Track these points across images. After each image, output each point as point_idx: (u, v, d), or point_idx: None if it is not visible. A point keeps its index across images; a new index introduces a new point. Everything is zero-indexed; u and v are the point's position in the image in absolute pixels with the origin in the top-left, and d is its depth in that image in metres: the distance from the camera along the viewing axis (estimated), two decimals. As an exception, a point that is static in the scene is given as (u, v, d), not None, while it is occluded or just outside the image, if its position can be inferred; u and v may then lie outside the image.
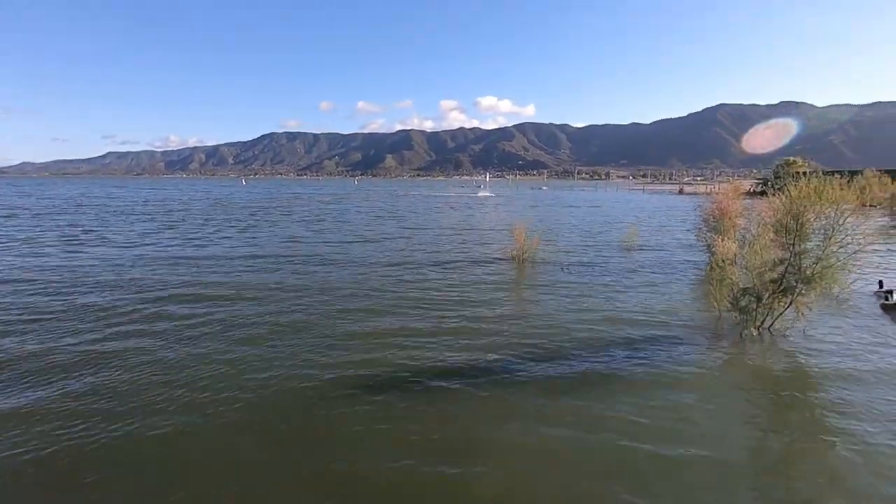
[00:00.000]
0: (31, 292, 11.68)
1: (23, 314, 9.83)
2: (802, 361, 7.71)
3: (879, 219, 28.83)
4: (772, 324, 8.81)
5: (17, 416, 5.79)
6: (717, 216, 14.57)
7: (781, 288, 8.40)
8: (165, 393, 6.40)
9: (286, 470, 4.82)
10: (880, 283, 12.16)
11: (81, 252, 17.75)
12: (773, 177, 54.07)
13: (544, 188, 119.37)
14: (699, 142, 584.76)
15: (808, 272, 8.06)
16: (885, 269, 14.86)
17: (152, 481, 4.67)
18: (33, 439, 5.29)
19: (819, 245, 8.06)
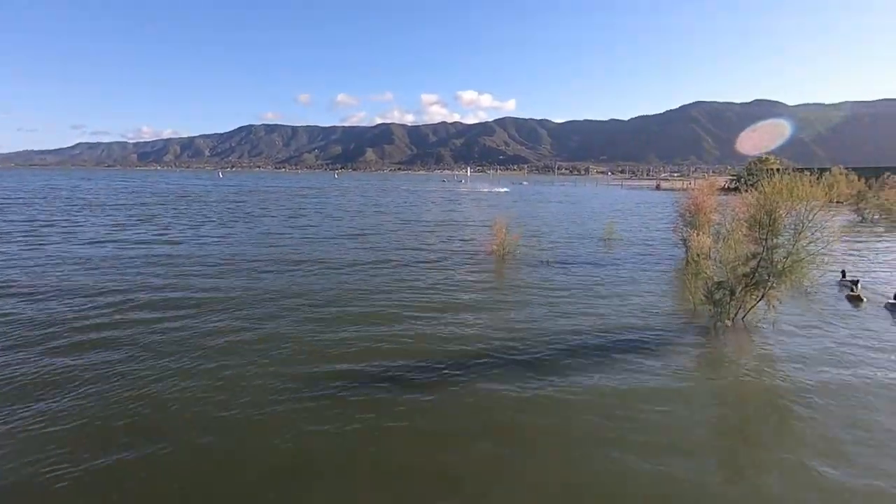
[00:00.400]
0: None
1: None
2: (772, 352, 7.96)
3: (846, 215, 29.84)
4: (744, 316, 9.06)
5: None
6: (692, 211, 14.87)
7: (754, 281, 8.65)
8: (132, 418, 5.63)
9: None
10: (843, 273, 12.68)
11: (40, 249, 17.13)
12: (745, 173, 55.54)
13: (525, 183, 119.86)
14: (676, 138, 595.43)
15: (779, 266, 8.30)
16: (845, 259, 15.46)
17: None
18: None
19: (790, 240, 8.31)
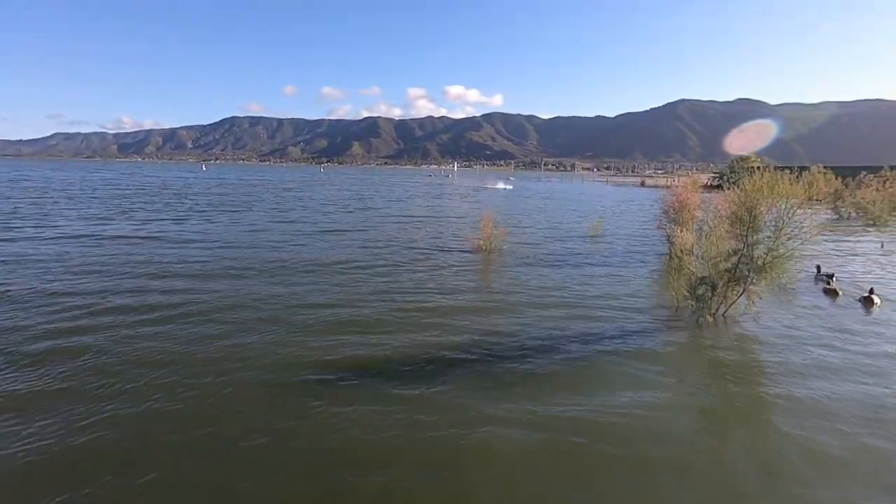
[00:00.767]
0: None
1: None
2: (752, 346, 8.16)
3: (824, 213, 30.56)
4: (726, 311, 9.26)
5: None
6: (676, 208, 15.08)
7: (735, 277, 8.83)
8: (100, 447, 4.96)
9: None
10: (818, 268, 13.05)
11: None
12: (728, 171, 56.49)
13: (511, 178, 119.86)
14: (661, 135, 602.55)
15: (759, 262, 8.50)
16: (825, 255, 15.89)
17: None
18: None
19: (770, 237, 8.51)
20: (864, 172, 44.55)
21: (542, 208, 36.41)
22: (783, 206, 8.35)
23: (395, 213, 30.44)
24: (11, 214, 22.97)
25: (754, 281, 8.64)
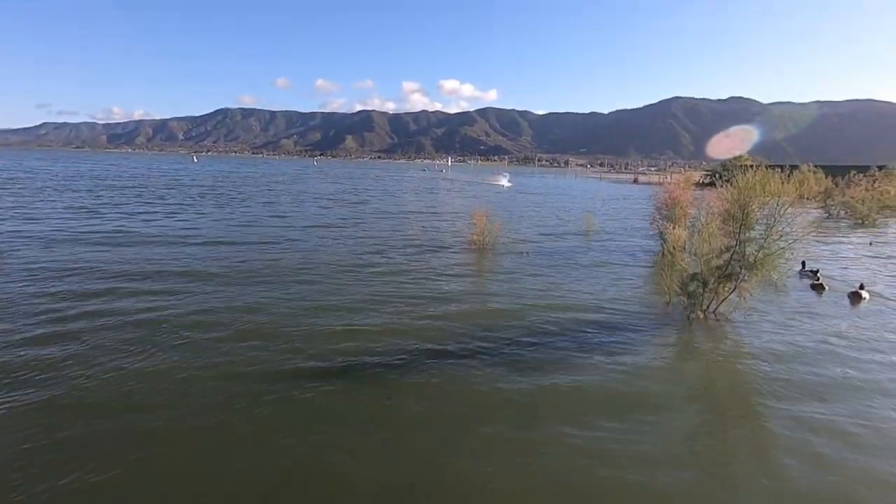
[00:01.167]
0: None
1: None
2: (742, 340, 8.29)
3: (814, 212, 30.90)
4: (717, 307, 9.36)
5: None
6: (669, 205, 15.19)
7: (726, 273, 8.93)
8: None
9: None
10: (803, 264, 13.24)
11: None
12: (721, 169, 56.89)
13: (505, 174, 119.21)
14: (654, 133, 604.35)
15: (750, 259, 8.60)
16: (814, 252, 16.11)
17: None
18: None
19: (761, 234, 8.61)
20: (853, 172, 45.06)
21: (535, 203, 36.52)
22: (775, 204, 8.45)
23: (391, 208, 30.36)
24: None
25: (746, 278, 8.74)
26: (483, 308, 9.66)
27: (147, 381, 6.06)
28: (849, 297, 11.13)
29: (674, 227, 14.19)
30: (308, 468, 4.56)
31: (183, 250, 13.94)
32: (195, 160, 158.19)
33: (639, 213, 28.13)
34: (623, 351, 7.53)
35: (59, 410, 5.36)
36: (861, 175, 43.56)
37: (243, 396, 5.78)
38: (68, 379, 6.04)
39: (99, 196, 28.98)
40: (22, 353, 6.72)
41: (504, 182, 64.87)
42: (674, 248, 12.52)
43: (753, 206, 8.59)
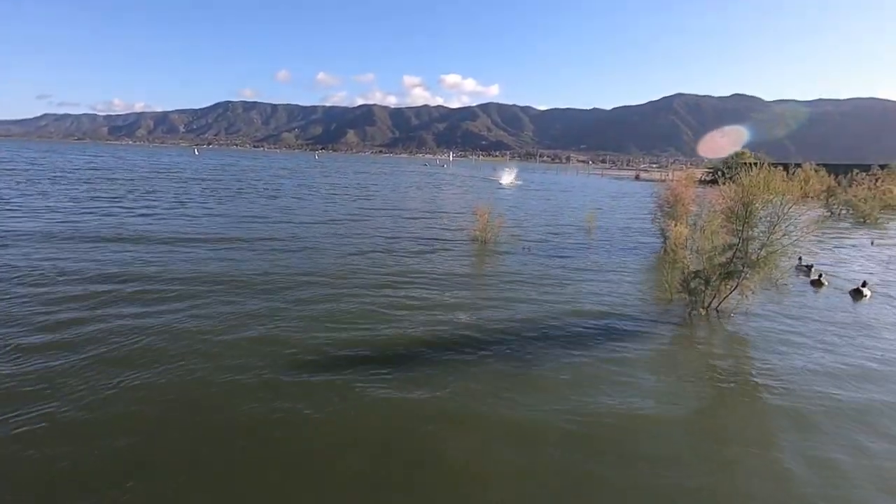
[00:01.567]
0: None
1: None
2: (743, 337, 8.31)
3: (816, 210, 30.86)
4: (718, 305, 9.35)
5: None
6: (671, 202, 15.17)
7: (728, 271, 8.91)
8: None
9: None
10: (800, 259, 13.24)
11: None
12: (724, 166, 56.70)
13: (506, 169, 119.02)
14: (656, 129, 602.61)
15: (753, 257, 8.58)
16: (816, 251, 16.12)
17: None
18: None
19: (764, 232, 8.58)
20: (856, 170, 44.96)
21: (537, 199, 36.47)
22: (778, 203, 8.42)
23: (396, 202, 30.32)
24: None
25: (748, 276, 8.73)
26: (483, 300, 9.65)
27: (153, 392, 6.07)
28: (850, 294, 11.16)
29: (676, 225, 14.19)
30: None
31: (183, 250, 13.85)
32: (196, 153, 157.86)
33: (641, 210, 28.10)
34: (623, 348, 7.53)
35: (59, 428, 4.91)
36: (864, 174, 43.46)
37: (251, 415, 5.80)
38: (66, 393, 5.54)
39: (97, 189, 28.92)
40: (20, 358, 6.73)
41: (515, 179, 59.78)
42: (675, 245, 12.53)
43: (757, 204, 8.56)
